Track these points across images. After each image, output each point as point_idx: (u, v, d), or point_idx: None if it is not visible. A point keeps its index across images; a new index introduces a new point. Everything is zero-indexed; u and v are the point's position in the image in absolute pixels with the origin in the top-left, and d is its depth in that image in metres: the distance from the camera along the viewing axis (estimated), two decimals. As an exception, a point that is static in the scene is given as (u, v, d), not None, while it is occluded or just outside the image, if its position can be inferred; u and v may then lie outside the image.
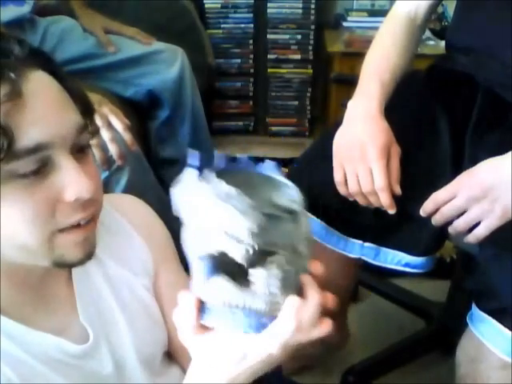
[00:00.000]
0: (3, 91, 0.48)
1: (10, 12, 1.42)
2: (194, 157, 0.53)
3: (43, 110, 0.51)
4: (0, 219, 0.51)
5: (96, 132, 0.63)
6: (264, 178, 0.57)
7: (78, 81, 0.62)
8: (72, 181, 0.53)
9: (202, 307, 0.53)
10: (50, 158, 0.52)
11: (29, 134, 0.50)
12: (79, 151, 0.55)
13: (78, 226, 0.55)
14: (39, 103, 0.51)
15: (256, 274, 0.50)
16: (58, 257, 0.55)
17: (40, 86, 0.52)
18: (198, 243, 0.51)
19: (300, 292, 0.53)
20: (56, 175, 0.53)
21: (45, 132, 0.51)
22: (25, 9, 1.49)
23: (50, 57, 0.57)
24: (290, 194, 0.56)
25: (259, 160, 0.58)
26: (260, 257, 0.51)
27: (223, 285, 0.50)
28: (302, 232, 0.54)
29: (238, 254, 0.49)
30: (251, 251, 0.48)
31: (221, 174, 0.53)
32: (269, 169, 0.57)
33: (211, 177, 0.52)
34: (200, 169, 0.53)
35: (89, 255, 0.58)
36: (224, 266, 0.51)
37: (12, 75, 0.49)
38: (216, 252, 0.50)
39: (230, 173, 0.55)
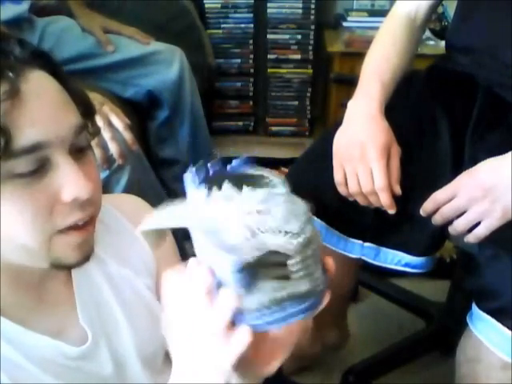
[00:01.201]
0: (1, 90, 0.48)
1: (8, 11, 1.42)
2: (196, 173, 0.50)
3: (41, 110, 0.51)
4: None
5: (97, 133, 0.63)
6: (258, 176, 0.55)
7: (79, 82, 0.62)
8: (70, 181, 0.53)
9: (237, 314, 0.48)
10: (48, 158, 0.52)
11: (26, 133, 0.50)
12: (79, 151, 0.55)
13: (76, 227, 0.55)
14: (37, 103, 0.51)
15: (292, 262, 0.48)
16: (56, 259, 0.55)
17: (39, 85, 0.52)
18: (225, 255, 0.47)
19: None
20: (54, 175, 0.53)
21: (42, 132, 0.51)
22: (23, 7, 1.48)
23: (52, 58, 0.57)
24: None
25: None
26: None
27: (266, 286, 0.48)
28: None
29: (290, 246, 0.47)
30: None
31: (222, 180, 0.51)
32: (239, 166, 0.54)
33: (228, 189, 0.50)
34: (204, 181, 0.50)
35: (87, 257, 0.58)
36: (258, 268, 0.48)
37: (11, 74, 0.49)
38: (252, 258, 0.46)
39: (230, 176, 0.52)
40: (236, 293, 0.48)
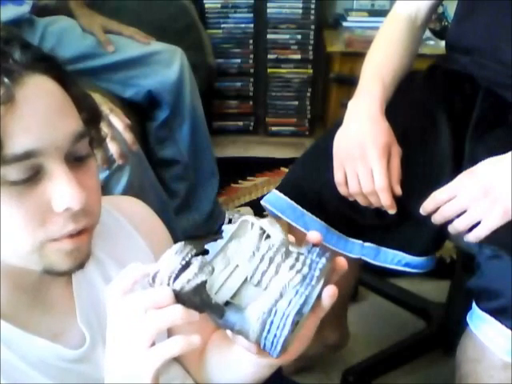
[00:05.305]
0: None
1: (9, 11, 1.42)
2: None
3: (36, 117, 0.50)
4: None
5: (102, 140, 0.62)
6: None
7: (86, 86, 0.61)
8: (61, 190, 0.51)
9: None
10: (42, 166, 0.51)
11: (19, 140, 0.48)
12: (77, 160, 0.54)
13: (69, 235, 0.54)
14: (32, 110, 0.49)
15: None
16: (48, 264, 0.54)
17: (36, 91, 0.51)
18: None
19: None
20: (47, 184, 0.51)
21: (35, 139, 0.49)
22: (24, 8, 1.48)
23: (57, 62, 0.55)
24: None
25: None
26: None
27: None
28: None
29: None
30: None
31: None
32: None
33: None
34: None
35: (80, 265, 0.57)
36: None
37: (6, 80, 0.48)
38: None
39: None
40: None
